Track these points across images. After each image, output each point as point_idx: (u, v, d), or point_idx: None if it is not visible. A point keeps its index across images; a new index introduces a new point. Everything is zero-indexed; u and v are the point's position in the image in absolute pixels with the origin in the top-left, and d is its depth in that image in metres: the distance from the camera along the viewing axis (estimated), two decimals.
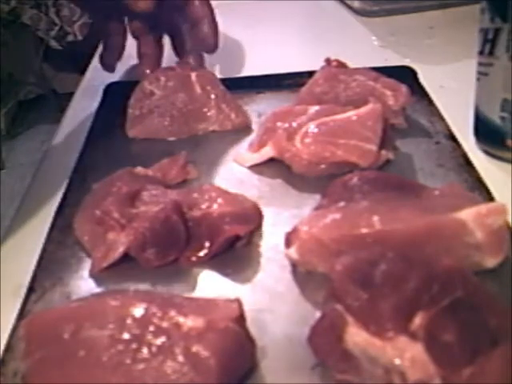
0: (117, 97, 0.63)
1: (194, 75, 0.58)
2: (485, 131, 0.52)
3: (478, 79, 0.51)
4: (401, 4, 0.85)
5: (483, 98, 0.51)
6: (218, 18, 0.64)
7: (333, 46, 0.75)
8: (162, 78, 0.58)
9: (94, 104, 0.66)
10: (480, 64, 0.50)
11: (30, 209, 0.52)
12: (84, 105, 0.69)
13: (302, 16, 0.89)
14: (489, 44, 0.48)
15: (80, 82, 0.76)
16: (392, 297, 0.31)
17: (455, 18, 0.81)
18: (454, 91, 0.60)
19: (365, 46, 0.77)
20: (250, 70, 0.70)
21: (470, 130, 0.53)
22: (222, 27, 0.64)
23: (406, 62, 0.68)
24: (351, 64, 0.59)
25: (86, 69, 0.79)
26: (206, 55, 0.66)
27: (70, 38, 1.67)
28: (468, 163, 0.49)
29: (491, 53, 0.48)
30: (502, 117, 0.49)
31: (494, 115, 0.49)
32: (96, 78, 0.75)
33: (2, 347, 0.37)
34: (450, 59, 0.70)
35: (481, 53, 0.49)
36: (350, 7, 0.88)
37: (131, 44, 0.68)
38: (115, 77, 0.71)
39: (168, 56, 0.69)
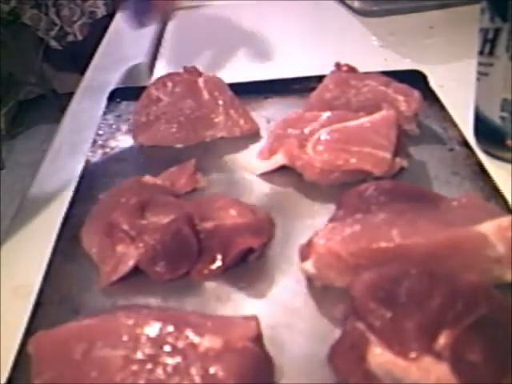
0: (122, 103, 0.61)
1: (201, 81, 0.57)
2: (485, 131, 0.51)
3: (478, 79, 0.50)
4: (401, 4, 0.84)
5: (483, 98, 0.50)
6: (219, 20, 0.63)
7: (333, 46, 0.75)
8: (169, 84, 0.56)
9: (94, 104, 0.65)
10: (480, 64, 0.49)
11: (31, 210, 0.51)
12: (84, 105, 0.68)
13: (302, 16, 0.88)
14: (489, 44, 0.47)
15: (80, 82, 0.75)
16: (416, 315, 0.30)
17: (455, 17, 0.80)
18: (454, 91, 0.59)
19: (365, 46, 0.76)
20: (252, 72, 0.69)
21: (470, 129, 0.53)
22: (222, 28, 0.63)
23: (406, 62, 0.67)
24: (351, 64, 0.58)
25: (86, 69, 0.78)
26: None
27: (70, 38, 1.66)
28: (483, 171, 0.48)
29: (491, 53, 0.47)
30: (502, 117, 0.48)
31: (494, 115, 0.49)
32: (96, 78, 0.74)
33: (10, 364, 0.36)
34: (450, 59, 0.69)
35: (481, 53, 0.48)
36: (350, 7, 0.87)
37: (131, 44, 0.67)
38: (115, 78, 0.70)
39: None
